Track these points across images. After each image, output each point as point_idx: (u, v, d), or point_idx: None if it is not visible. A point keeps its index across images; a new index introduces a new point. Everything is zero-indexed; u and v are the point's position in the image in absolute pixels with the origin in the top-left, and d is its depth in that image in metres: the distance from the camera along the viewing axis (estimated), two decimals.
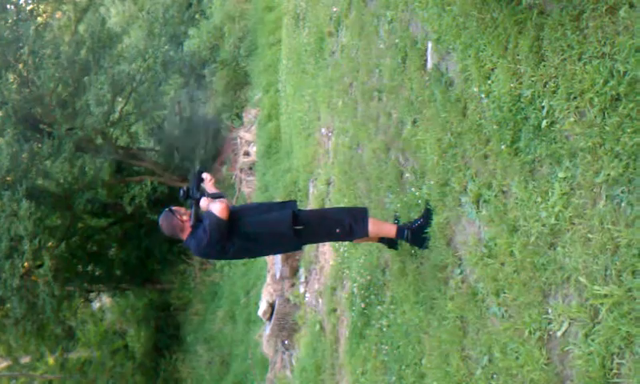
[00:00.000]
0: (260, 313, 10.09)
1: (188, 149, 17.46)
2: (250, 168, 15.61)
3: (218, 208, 4.78)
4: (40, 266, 15.00)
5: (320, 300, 8.20)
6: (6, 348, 19.77)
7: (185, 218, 4.99)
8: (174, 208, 5.06)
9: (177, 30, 21.30)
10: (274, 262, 10.21)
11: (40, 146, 15.09)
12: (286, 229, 4.96)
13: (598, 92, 2.99)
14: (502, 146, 3.76)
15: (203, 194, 5.04)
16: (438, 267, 4.66)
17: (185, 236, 5.02)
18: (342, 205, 7.15)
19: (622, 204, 2.86)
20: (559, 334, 3.20)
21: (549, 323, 3.28)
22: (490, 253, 3.89)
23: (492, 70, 4.01)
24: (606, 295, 2.86)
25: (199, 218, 4.99)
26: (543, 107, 3.42)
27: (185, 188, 5.06)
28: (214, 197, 4.96)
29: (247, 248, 5.08)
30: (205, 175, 5.18)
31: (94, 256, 20.04)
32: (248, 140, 16.07)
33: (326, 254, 8.25)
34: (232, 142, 17.38)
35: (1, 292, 14.46)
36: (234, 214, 4.96)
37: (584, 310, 3.00)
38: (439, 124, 4.78)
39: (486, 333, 3.88)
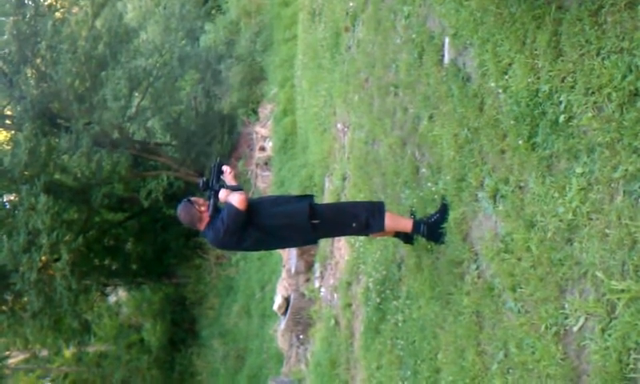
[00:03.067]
0: (275, 307, 10.13)
1: (204, 144, 17.52)
2: (266, 163, 15.64)
3: (237, 199, 4.81)
4: (57, 259, 15.12)
5: (335, 295, 8.21)
6: (23, 341, 19.93)
7: (203, 208, 5.05)
8: (192, 199, 5.12)
9: (193, 25, 21.35)
10: (290, 257, 10.24)
11: (58, 140, 15.21)
12: (302, 221, 4.98)
13: (616, 87, 2.98)
14: (520, 141, 3.75)
15: (223, 185, 5.07)
16: (454, 262, 4.66)
17: (202, 226, 5.08)
18: (358, 200, 7.16)
19: None
20: (576, 329, 3.19)
21: (565, 318, 3.28)
22: (506, 248, 3.88)
23: (509, 65, 4.00)
24: (623, 290, 2.85)
25: (217, 209, 5.03)
26: (561, 102, 3.41)
27: (204, 179, 5.12)
28: (233, 189, 4.99)
29: (263, 240, 5.12)
30: (225, 167, 5.20)
31: (110, 250, 20.16)
32: (264, 135, 16.10)
33: (342, 249, 8.26)
34: (248, 137, 17.43)
35: (19, 285, 14.59)
36: (252, 205, 4.99)
37: (601, 305, 3.00)
38: (456, 119, 4.78)
39: (502, 328, 3.88)
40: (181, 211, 5.11)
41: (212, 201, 5.03)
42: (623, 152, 2.93)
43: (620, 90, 2.96)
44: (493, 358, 3.98)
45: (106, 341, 23.35)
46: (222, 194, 4.99)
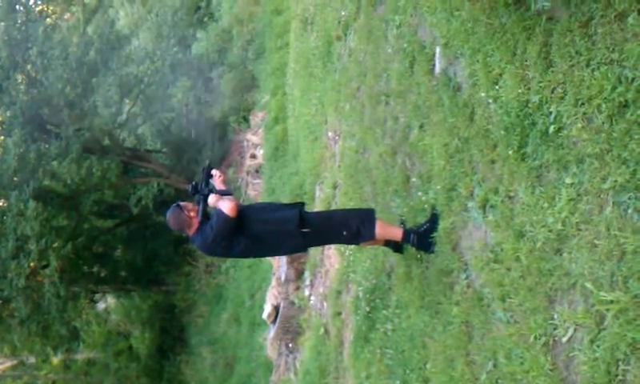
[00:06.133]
0: (265, 315, 10.10)
1: (195, 151, 17.50)
2: (257, 171, 15.64)
3: (227, 206, 4.77)
4: (46, 266, 15.05)
5: (325, 303, 8.19)
6: (10, 348, 19.81)
7: (192, 213, 4.98)
8: (181, 203, 5.05)
9: (185, 32, 21.38)
10: (280, 265, 10.21)
11: (47, 146, 15.15)
12: (292, 228, 4.94)
13: (605, 98, 2.99)
14: (509, 152, 3.76)
15: (212, 190, 5.03)
16: (443, 272, 4.65)
17: (191, 232, 5.02)
18: (348, 208, 7.14)
19: (629, 210, 2.86)
20: (565, 339, 3.19)
21: (554, 329, 3.27)
22: (496, 258, 3.88)
23: (500, 75, 4.01)
24: (612, 301, 2.86)
25: (207, 214, 4.99)
26: (551, 113, 3.42)
27: (194, 183, 5.07)
28: (223, 194, 4.94)
29: (252, 247, 5.07)
30: (214, 171, 5.15)
31: (99, 257, 20.05)
32: (255, 143, 16.10)
33: (332, 257, 8.24)
34: (239, 144, 17.43)
35: (7, 292, 14.52)
36: (241, 212, 4.95)
37: (590, 315, 3.00)
38: (446, 129, 4.78)
39: (491, 338, 3.88)
40: (170, 216, 5.05)
41: (201, 206, 4.98)
42: (612, 163, 2.94)
43: (609, 101, 2.97)
44: (482, 368, 3.97)
45: (94, 348, 23.23)
46: (212, 199, 4.93)
